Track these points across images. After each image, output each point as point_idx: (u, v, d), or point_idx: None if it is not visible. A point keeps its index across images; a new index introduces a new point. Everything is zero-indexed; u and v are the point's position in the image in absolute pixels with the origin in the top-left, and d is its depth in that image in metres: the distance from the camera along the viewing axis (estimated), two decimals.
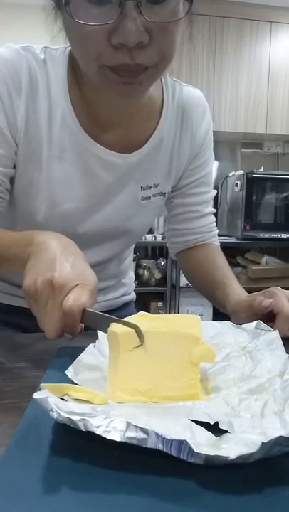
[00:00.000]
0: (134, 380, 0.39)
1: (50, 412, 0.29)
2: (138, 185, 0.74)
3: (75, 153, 0.67)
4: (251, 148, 3.42)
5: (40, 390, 0.32)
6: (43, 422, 0.34)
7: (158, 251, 3.17)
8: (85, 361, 0.45)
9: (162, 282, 2.95)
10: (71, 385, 0.38)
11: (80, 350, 0.47)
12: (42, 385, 0.33)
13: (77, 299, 0.46)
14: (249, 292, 0.70)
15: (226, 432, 0.31)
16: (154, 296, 3.00)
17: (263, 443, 0.26)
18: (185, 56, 2.95)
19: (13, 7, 2.78)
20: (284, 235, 2.86)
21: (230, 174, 3.01)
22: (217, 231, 0.88)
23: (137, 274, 2.93)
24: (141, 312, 0.48)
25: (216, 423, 0.32)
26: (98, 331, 0.49)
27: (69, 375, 0.42)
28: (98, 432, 0.28)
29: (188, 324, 0.42)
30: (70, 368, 0.43)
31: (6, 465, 0.29)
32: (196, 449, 0.27)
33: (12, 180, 0.68)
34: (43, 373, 0.46)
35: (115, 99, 0.63)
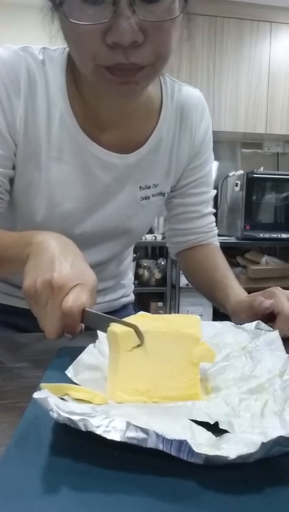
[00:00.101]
0: (134, 380, 0.39)
1: (50, 412, 0.29)
2: (137, 186, 0.74)
3: (74, 154, 0.67)
4: (251, 148, 3.42)
5: (40, 389, 0.32)
6: (43, 422, 0.34)
7: (158, 251, 3.17)
8: (85, 361, 0.45)
9: (162, 282, 2.95)
10: (71, 385, 0.38)
11: (80, 350, 0.47)
12: (42, 384, 0.33)
13: (76, 299, 0.45)
14: (249, 292, 0.70)
15: (225, 432, 0.31)
16: (154, 296, 3.00)
17: (262, 443, 0.26)
18: (185, 56, 2.95)
19: (13, 7, 2.78)
20: (284, 235, 2.86)
21: (230, 174, 3.01)
22: (217, 231, 0.88)
23: (137, 274, 2.93)
24: (141, 312, 0.48)
25: (216, 423, 0.32)
26: (98, 331, 0.49)
27: (69, 375, 0.42)
28: (98, 431, 0.28)
29: (188, 324, 0.42)
30: (70, 367, 0.43)
31: (6, 465, 0.29)
32: (196, 449, 0.27)
33: (12, 181, 0.68)
34: (43, 373, 0.46)
35: (113, 99, 0.63)
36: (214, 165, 3.31)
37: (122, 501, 0.25)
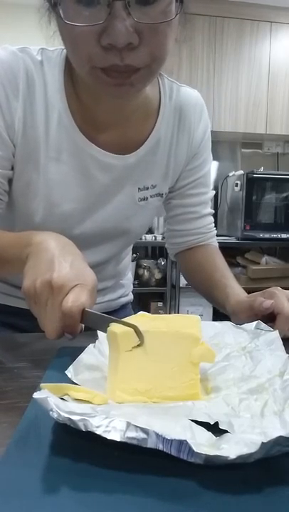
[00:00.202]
0: (134, 380, 0.39)
1: (50, 412, 0.29)
2: (135, 187, 0.74)
3: (72, 155, 0.67)
4: (251, 148, 3.42)
5: (40, 390, 0.32)
6: (43, 422, 0.34)
7: (158, 251, 3.17)
8: (85, 361, 0.45)
9: (162, 282, 2.95)
10: (71, 385, 0.38)
11: (80, 350, 0.47)
12: (42, 385, 0.33)
13: (76, 299, 0.45)
14: (249, 292, 0.70)
15: (225, 432, 0.31)
16: (154, 296, 3.00)
17: (262, 443, 0.26)
18: (185, 56, 2.95)
19: (13, 7, 2.78)
20: (284, 235, 2.86)
21: (230, 174, 3.01)
22: (216, 232, 0.88)
23: (137, 274, 2.93)
24: (141, 312, 0.48)
25: (216, 423, 0.32)
26: (98, 331, 0.49)
27: (69, 375, 0.42)
28: (98, 431, 0.28)
29: (188, 324, 0.42)
30: (70, 367, 0.43)
31: (6, 465, 0.29)
32: (196, 449, 0.27)
33: (10, 181, 0.68)
34: (43, 373, 0.46)
35: (110, 101, 0.63)
36: (214, 165, 3.32)
37: (122, 501, 0.25)
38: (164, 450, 0.28)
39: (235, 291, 0.73)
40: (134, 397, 0.39)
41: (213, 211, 0.88)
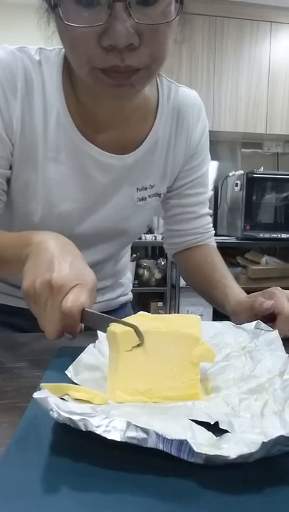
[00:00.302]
0: (134, 380, 0.39)
1: (51, 412, 0.29)
2: (134, 187, 0.74)
3: (71, 155, 0.67)
4: (251, 148, 3.42)
5: (40, 389, 0.32)
6: (42, 422, 0.34)
7: (158, 251, 3.17)
8: (85, 361, 0.45)
9: (162, 282, 2.95)
10: (71, 385, 0.38)
11: (80, 350, 0.47)
12: (42, 384, 0.33)
13: (76, 299, 0.45)
14: (249, 292, 0.70)
15: (226, 431, 0.31)
16: (154, 296, 3.00)
17: (263, 442, 0.26)
18: (185, 56, 2.95)
19: (13, 7, 2.77)
20: (284, 235, 2.86)
21: (230, 174, 3.01)
22: (214, 232, 0.88)
23: (137, 274, 2.93)
24: (141, 312, 0.48)
25: (216, 423, 0.32)
26: (98, 331, 0.49)
27: (69, 375, 0.42)
28: (98, 431, 0.28)
29: (188, 324, 0.42)
30: (70, 367, 0.43)
31: (6, 465, 0.29)
32: (196, 449, 0.27)
33: (9, 181, 0.68)
34: (43, 373, 0.46)
35: (109, 101, 0.63)
36: (214, 165, 3.32)
37: (122, 501, 0.25)
38: (165, 450, 0.28)
39: (235, 291, 0.73)
40: (134, 397, 0.39)
41: (212, 211, 0.88)
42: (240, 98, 3.05)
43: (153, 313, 0.47)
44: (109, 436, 0.28)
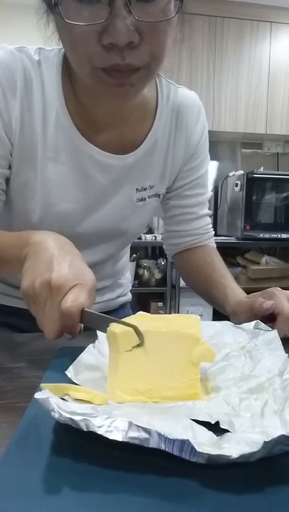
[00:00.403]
0: (134, 380, 0.39)
1: (52, 413, 0.29)
2: (133, 187, 0.74)
3: (70, 155, 0.67)
4: (251, 148, 3.42)
5: (40, 390, 0.32)
6: (42, 422, 0.34)
7: (158, 251, 3.17)
8: (85, 361, 0.45)
9: (162, 282, 2.95)
10: (71, 385, 0.38)
11: (79, 350, 0.47)
12: (42, 385, 0.33)
13: (75, 299, 0.45)
14: (249, 292, 0.70)
15: (226, 431, 0.31)
16: (154, 296, 3.00)
17: (265, 442, 0.26)
18: (185, 56, 2.95)
19: (13, 7, 2.77)
20: (284, 235, 2.86)
21: (230, 174, 3.01)
22: (213, 233, 0.88)
23: (137, 274, 2.93)
24: (140, 312, 0.48)
25: (216, 423, 0.32)
26: (98, 331, 0.49)
27: (69, 375, 0.42)
28: (100, 431, 0.28)
29: (188, 324, 0.42)
30: (70, 367, 0.43)
31: (6, 465, 0.29)
32: (198, 449, 0.27)
33: (8, 180, 0.68)
34: (42, 373, 0.46)
35: (109, 101, 0.63)
36: (214, 165, 3.32)
37: (122, 501, 0.25)
38: (166, 450, 0.28)
39: (235, 291, 0.73)
40: (134, 397, 0.39)
41: (211, 212, 0.88)
42: (240, 98, 3.05)
43: (153, 313, 0.47)
44: (111, 436, 0.28)
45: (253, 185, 2.87)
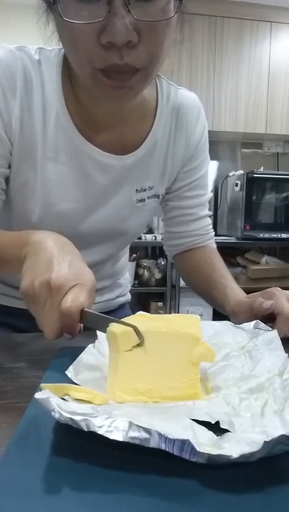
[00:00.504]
0: (134, 380, 0.39)
1: (52, 413, 0.29)
2: (133, 188, 0.74)
3: (70, 155, 0.67)
4: (251, 148, 3.42)
5: (40, 390, 0.32)
6: (42, 422, 0.34)
7: (158, 251, 3.17)
8: (84, 361, 0.45)
9: (162, 282, 2.95)
10: (71, 385, 0.38)
11: (79, 350, 0.47)
12: (42, 385, 0.33)
13: (75, 299, 0.45)
14: (249, 292, 0.70)
15: (226, 431, 0.31)
16: (154, 296, 3.00)
17: (265, 442, 0.26)
18: (185, 56, 2.95)
19: (13, 7, 2.77)
20: (284, 235, 2.86)
21: (230, 174, 3.01)
22: (213, 233, 0.88)
23: (137, 274, 2.93)
24: (140, 312, 0.48)
25: (216, 423, 0.32)
26: (97, 331, 0.49)
27: (69, 375, 0.42)
28: (100, 431, 0.28)
29: (188, 324, 0.42)
30: (70, 367, 0.43)
31: (6, 465, 0.29)
32: (198, 449, 0.27)
33: (7, 180, 0.68)
34: (42, 373, 0.46)
35: (107, 102, 0.63)
36: (214, 165, 3.32)
37: (122, 501, 0.25)
38: (167, 450, 0.28)
39: (235, 291, 0.73)
40: (134, 397, 0.39)
41: (211, 213, 0.88)
42: (240, 98, 3.05)
43: (153, 313, 0.47)
44: (112, 436, 0.28)
45: (253, 185, 2.87)
